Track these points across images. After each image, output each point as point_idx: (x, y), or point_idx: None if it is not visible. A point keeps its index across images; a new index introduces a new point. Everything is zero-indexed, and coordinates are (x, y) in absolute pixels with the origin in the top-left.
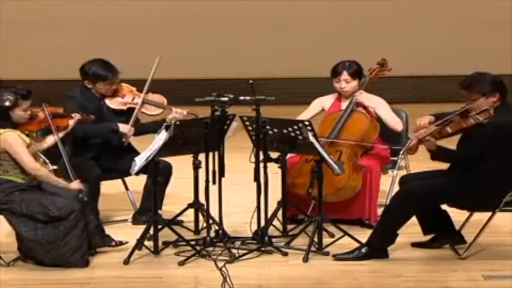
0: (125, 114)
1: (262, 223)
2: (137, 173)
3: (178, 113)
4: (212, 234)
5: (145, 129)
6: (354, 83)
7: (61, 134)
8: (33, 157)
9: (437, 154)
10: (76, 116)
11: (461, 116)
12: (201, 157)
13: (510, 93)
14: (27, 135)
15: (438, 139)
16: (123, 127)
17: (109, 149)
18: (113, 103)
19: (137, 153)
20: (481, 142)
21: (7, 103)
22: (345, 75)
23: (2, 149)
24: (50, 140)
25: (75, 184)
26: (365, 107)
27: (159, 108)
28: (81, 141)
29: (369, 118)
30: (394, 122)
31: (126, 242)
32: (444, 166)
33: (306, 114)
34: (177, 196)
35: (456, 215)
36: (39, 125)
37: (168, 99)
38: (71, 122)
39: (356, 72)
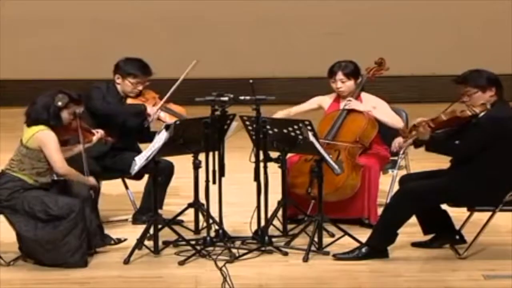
0: (141, 117)
1: (262, 222)
2: (138, 173)
3: None
4: (212, 234)
5: (151, 137)
6: (350, 83)
7: (85, 146)
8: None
9: (431, 144)
10: (99, 133)
11: (458, 109)
12: (201, 156)
13: (510, 92)
14: None
15: (433, 128)
16: (150, 108)
17: (110, 148)
18: None
19: (138, 153)
20: (478, 135)
21: (59, 103)
22: (340, 75)
23: (37, 147)
24: (76, 149)
25: (92, 179)
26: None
27: (176, 118)
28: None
29: (367, 117)
30: (393, 121)
31: (125, 239)
32: (444, 165)
33: (300, 107)
34: (177, 196)
35: (456, 215)
36: (68, 133)
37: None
38: (95, 138)
39: (351, 72)
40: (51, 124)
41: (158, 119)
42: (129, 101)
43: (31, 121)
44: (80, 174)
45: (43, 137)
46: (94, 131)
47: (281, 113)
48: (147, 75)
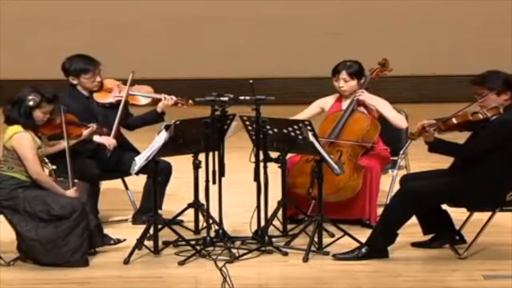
0: (115, 107)
1: (262, 223)
2: (137, 173)
3: (167, 99)
4: (212, 234)
5: (137, 121)
6: (353, 83)
7: (72, 142)
8: (42, 159)
9: (435, 145)
10: (92, 127)
11: (470, 111)
12: (201, 157)
13: None
14: (39, 137)
15: (443, 131)
16: (98, 139)
17: (104, 149)
18: (101, 98)
19: (137, 153)
20: (486, 138)
21: (30, 103)
22: (343, 75)
23: (12, 147)
24: (62, 145)
25: (71, 192)
26: (366, 107)
27: (147, 98)
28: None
29: (370, 117)
30: (398, 120)
31: (124, 240)
32: (444, 165)
33: (304, 113)
34: (177, 196)
35: (456, 215)
36: (53, 130)
37: None
38: (85, 132)
39: (355, 72)
40: (22, 123)
41: (132, 104)
42: (95, 95)
43: (6, 120)
44: (55, 186)
45: (16, 139)
46: (88, 125)
47: None
48: (97, 65)
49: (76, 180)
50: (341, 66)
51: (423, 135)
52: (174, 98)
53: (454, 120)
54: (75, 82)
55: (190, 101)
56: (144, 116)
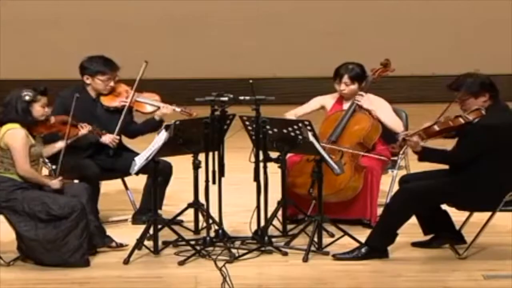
0: (119, 112)
1: (262, 223)
2: (137, 173)
3: (165, 108)
4: (212, 234)
5: (137, 129)
6: (354, 86)
7: (69, 140)
8: (35, 158)
9: (424, 155)
10: (87, 127)
11: (451, 116)
12: (201, 157)
13: (510, 92)
14: (34, 136)
15: (426, 139)
16: (105, 137)
17: (106, 148)
18: (107, 102)
19: (137, 153)
20: (471, 142)
21: (26, 98)
22: (345, 78)
23: (5, 145)
24: (58, 145)
25: (56, 183)
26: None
27: (152, 106)
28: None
29: (371, 119)
30: (394, 125)
31: (127, 245)
32: (444, 166)
33: (303, 108)
34: (177, 196)
35: (456, 215)
36: (50, 129)
37: (168, 99)
38: (80, 132)
39: (357, 76)
40: (21, 121)
41: (137, 110)
42: (102, 98)
43: (2, 122)
44: (40, 176)
45: (10, 136)
46: (80, 125)
47: (287, 114)
48: (115, 70)
49: (76, 181)
50: (343, 70)
51: (407, 145)
52: (177, 109)
53: (436, 127)
54: (88, 82)
55: (195, 113)
56: (143, 124)
